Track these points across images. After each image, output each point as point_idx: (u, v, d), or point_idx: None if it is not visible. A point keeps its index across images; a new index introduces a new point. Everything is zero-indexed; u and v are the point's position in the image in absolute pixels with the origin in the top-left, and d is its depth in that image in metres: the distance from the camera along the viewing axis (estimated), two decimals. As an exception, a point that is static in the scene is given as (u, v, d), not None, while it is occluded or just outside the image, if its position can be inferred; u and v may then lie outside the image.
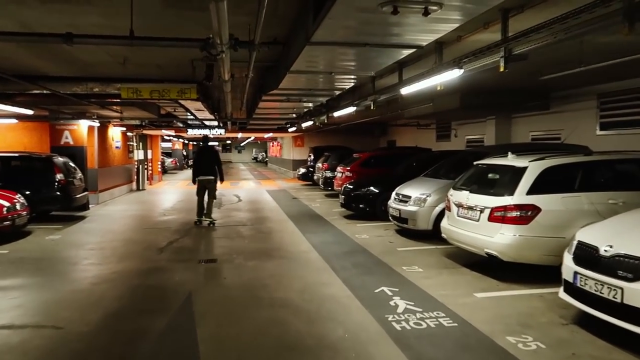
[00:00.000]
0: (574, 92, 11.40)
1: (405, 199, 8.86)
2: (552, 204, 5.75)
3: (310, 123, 14.37)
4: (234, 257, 7.57)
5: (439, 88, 6.34)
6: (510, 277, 6.00)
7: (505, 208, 5.80)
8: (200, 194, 10.55)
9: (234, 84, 9.09)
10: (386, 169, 13.19)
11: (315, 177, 19.54)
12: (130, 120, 14.05)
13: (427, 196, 8.46)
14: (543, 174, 5.91)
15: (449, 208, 7.01)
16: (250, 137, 36.05)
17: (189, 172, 35.20)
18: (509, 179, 6.12)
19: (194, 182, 10.62)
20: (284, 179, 26.26)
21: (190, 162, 42.76)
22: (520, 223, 5.70)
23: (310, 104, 10.92)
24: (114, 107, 11.58)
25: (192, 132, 19.63)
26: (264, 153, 55.73)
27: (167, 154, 37.73)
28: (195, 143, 50.14)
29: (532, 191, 5.80)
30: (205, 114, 13.05)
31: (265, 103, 10.41)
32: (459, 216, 6.63)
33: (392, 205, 9.22)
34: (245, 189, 20.34)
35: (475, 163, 7.10)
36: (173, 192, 19.03)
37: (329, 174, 16.35)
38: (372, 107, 9.12)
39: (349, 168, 13.79)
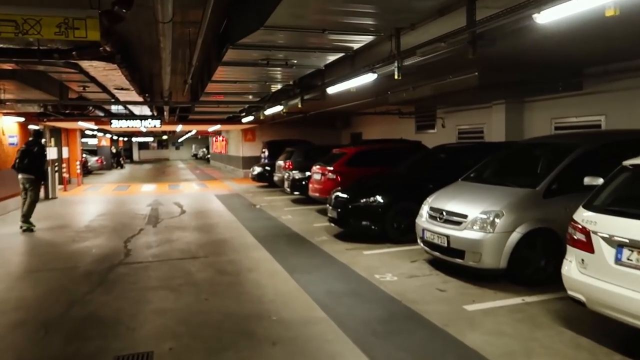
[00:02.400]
0: (626, 66, 8.68)
1: (454, 219, 5.67)
2: None
3: (277, 109, 10.88)
4: (185, 345, 4.05)
5: (612, 12, 3.18)
6: None
7: None
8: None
9: (176, 42, 5.55)
10: (381, 169, 10.02)
11: (275, 178, 16.04)
12: (20, 104, 9.93)
13: (496, 216, 5.31)
14: None
15: (581, 245, 3.87)
16: (191, 131, 31.72)
17: (118, 173, 30.43)
18: None
19: None
20: (233, 179, 22.50)
21: (121, 161, 37.81)
22: None
23: (292, 71, 7.31)
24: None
25: (118, 125, 15.52)
26: (205, 149, 50.95)
27: (92, 151, 32.66)
28: (125, 139, 44.90)
29: None
30: (131, 96, 9.24)
31: (226, 71, 6.86)
32: (621, 264, 3.51)
33: (429, 227, 6.02)
34: (188, 195, 16.50)
35: (627, 164, 3.97)
36: (94, 201, 14.88)
37: (297, 174, 12.94)
38: (396, 76, 5.84)
39: (331, 168, 10.47)
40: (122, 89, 8.43)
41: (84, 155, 27.36)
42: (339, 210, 8.03)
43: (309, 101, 10.11)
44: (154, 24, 4.29)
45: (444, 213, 5.86)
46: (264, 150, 21.07)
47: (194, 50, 5.59)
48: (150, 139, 54.18)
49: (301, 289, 5.46)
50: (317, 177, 11.02)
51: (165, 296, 5.38)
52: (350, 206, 7.92)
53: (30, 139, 9.48)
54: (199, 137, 46.45)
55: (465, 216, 5.54)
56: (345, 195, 8.16)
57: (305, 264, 6.58)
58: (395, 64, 5.88)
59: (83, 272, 6.47)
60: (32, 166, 9.22)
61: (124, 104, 9.48)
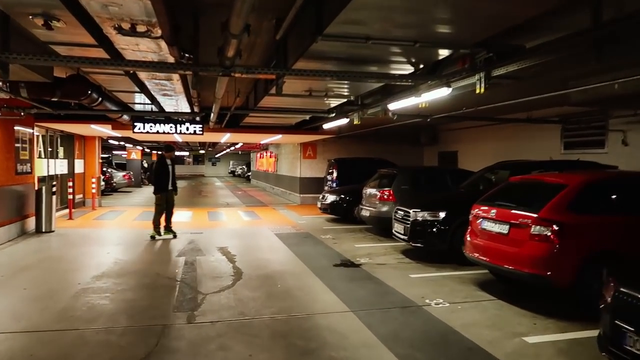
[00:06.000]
0: None
1: None
2: None
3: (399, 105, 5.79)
4: None
5: None
6: None
7: None
8: None
9: None
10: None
11: (365, 213, 10.93)
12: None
13: None
14: None
15: None
16: (237, 144, 26.97)
17: (148, 191, 25.93)
18: None
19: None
20: (287, 207, 17.50)
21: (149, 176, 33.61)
22: None
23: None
24: None
25: (143, 129, 10.82)
26: (244, 167, 46.39)
27: (121, 165, 28.58)
28: (159, 153, 40.85)
29: None
30: (154, 49, 4.37)
31: None
32: None
33: None
34: (236, 232, 11.59)
35: None
36: (101, 242, 10.09)
37: (424, 215, 7.81)
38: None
39: (535, 215, 5.29)
40: (132, 29, 3.58)
41: (109, 170, 23.12)
42: None
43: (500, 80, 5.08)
44: None
45: None
46: (331, 170, 16.19)
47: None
48: (186, 153, 50.38)
49: None
50: (491, 228, 5.83)
51: None
52: None
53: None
54: (239, 152, 42.00)
55: None
56: None
57: None
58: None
59: None
60: (151, 180, 9.09)
61: (135, 66, 4.59)
